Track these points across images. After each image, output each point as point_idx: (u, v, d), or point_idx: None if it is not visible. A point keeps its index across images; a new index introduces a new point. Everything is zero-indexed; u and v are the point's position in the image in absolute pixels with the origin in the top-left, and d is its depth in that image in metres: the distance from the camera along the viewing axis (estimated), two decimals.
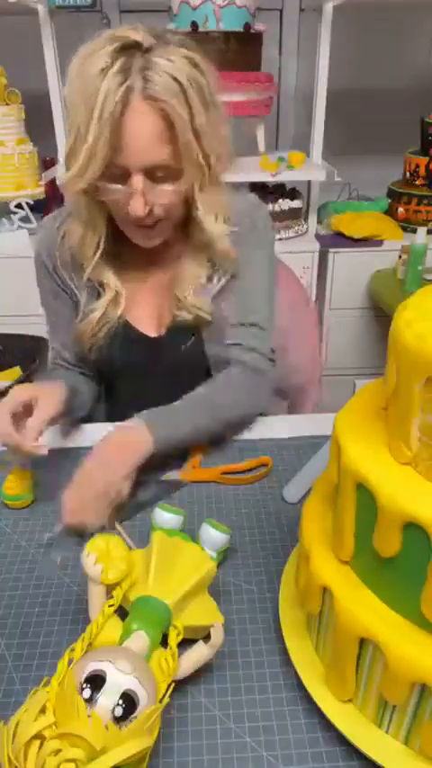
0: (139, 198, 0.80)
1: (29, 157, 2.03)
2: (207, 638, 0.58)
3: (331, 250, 2.12)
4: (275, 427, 1.01)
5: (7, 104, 1.98)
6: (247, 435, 0.98)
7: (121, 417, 0.92)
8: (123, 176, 0.79)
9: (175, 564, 0.64)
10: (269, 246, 1.01)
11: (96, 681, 0.49)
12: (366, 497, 0.48)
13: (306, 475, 0.87)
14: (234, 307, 0.98)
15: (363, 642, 0.51)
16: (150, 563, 0.63)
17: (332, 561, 0.55)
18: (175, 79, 0.75)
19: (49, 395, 0.86)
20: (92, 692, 0.48)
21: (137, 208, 0.80)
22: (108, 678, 0.49)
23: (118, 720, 0.47)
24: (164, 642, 0.59)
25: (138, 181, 0.79)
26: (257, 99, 1.92)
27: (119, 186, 0.80)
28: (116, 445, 0.83)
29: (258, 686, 0.60)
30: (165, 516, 0.74)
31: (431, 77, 2.51)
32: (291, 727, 0.56)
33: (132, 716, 0.48)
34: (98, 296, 0.96)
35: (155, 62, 0.74)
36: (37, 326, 1.87)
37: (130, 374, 1.02)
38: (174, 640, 0.58)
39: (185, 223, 0.91)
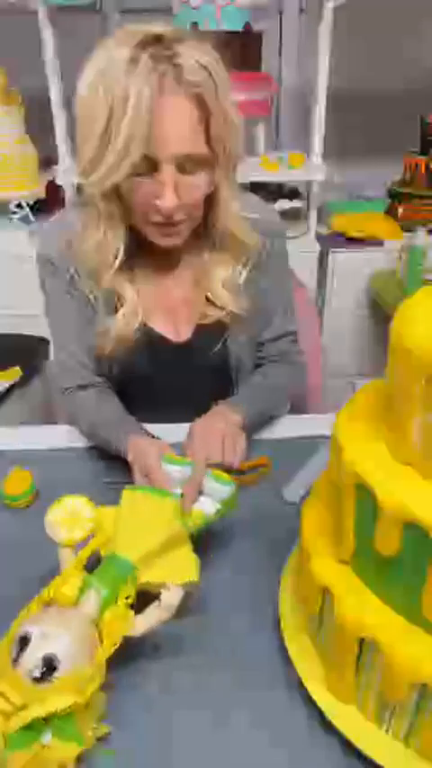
0: (170, 190, 0.78)
1: (29, 157, 2.03)
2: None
3: (331, 250, 2.12)
4: (275, 427, 1.01)
5: (7, 104, 1.97)
6: (247, 435, 0.98)
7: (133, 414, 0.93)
8: (152, 170, 0.78)
9: (144, 521, 0.63)
10: (286, 257, 1.05)
11: (23, 642, 0.52)
12: (366, 497, 0.48)
13: (306, 475, 0.87)
14: (269, 313, 1.03)
15: (363, 642, 0.51)
16: (153, 539, 0.63)
17: (332, 561, 0.55)
18: (204, 67, 0.75)
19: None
20: (17, 653, 0.52)
21: (167, 200, 0.79)
22: (32, 641, 0.52)
23: (38, 681, 0.51)
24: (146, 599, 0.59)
25: (169, 173, 0.78)
26: (257, 99, 1.91)
27: (148, 179, 0.79)
28: (221, 413, 0.87)
29: (258, 686, 0.60)
30: (168, 468, 0.73)
31: (431, 77, 2.50)
32: (291, 727, 0.56)
33: (53, 677, 0.51)
34: (114, 307, 0.93)
35: (181, 51, 0.74)
36: (37, 326, 1.87)
37: (152, 381, 1.00)
38: (122, 599, 0.58)
39: (200, 223, 0.91)
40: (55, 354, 1.02)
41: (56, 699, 0.50)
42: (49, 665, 0.51)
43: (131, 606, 0.59)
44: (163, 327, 0.98)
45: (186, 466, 0.74)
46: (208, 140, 0.79)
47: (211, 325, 0.97)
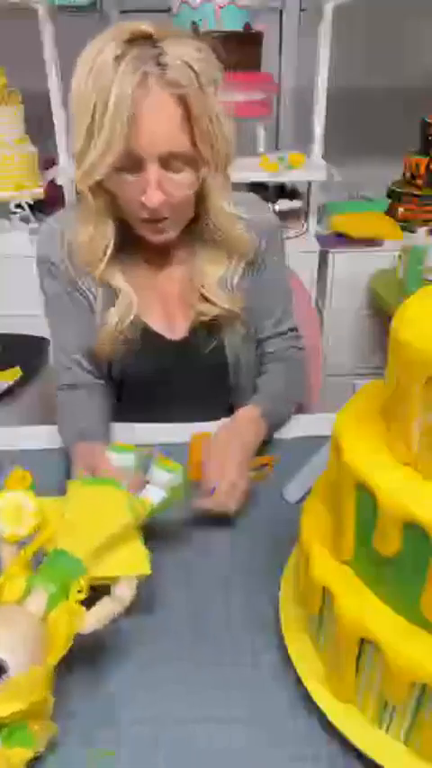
0: (154, 188, 0.79)
1: (29, 157, 2.03)
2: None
3: (331, 250, 2.12)
4: None
5: (7, 104, 1.97)
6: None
7: (135, 421, 0.93)
8: (137, 167, 0.79)
9: (91, 515, 0.61)
10: (283, 254, 1.04)
11: None
12: (366, 497, 0.48)
13: (306, 475, 0.87)
14: (267, 311, 1.03)
15: (363, 642, 0.51)
16: (100, 533, 0.60)
17: (332, 561, 0.55)
18: (190, 66, 0.76)
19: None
20: None
21: (152, 197, 0.80)
22: None
23: None
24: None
25: (153, 170, 0.79)
26: (257, 99, 1.91)
27: (134, 176, 0.80)
28: (248, 424, 0.88)
29: (258, 686, 0.60)
30: (113, 456, 0.72)
31: (431, 77, 2.50)
32: (291, 727, 0.56)
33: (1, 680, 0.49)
34: (112, 302, 0.94)
35: (168, 51, 0.75)
36: (37, 326, 1.87)
37: (150, 380, 1.00)
38: (73, 595, 0.56)
39: (193, 220, 0.91)
40: (53, 353, 1.02)
41: (2, 706, 0.48)
42: None
43: (83, 603, 0.57)
44: (159, 325, 0.99)
45: (130, 453, 0.72)
46: (193, 139, 0.80)
47: (207, 323, 0.98)
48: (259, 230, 0.97)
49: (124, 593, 0.57)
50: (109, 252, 0.89)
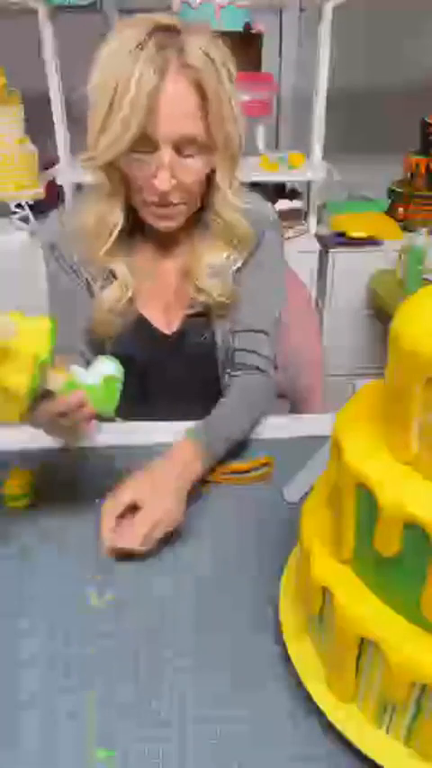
0: (165, 171, 0.81)
1: (29, 157, 2.03)
2: None
3: (331, 250, 2.12)
4: (275, 427, 1.00)
5: (7, 104, 1.97)
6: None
7: (130, 417, 0.92)
8: (150, 149, 0.80)
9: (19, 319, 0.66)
10: (280, 248, 1.04)
11: None
12: (366, 497, 0.48)
13: (306, 475, 0.87)
14: (247, 308, 1.00)
15: (363, 642, 0.51)
16: None
17: (332, 561, 0.55)
18: (208, 54, 0.79)
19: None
20: None
21: (163, 180, 0.81)
22: None
23: None
24: None
25: (167, 153, 0.80)
26: (257, 99, 1.92)
27: (147, 158, 0.81)
28: (171, 469, 0.79)
29: (258, 686, 0.60)
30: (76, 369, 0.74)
31: (431, 77, 2.50)
32: (291, 727, 0.56)
33: None
34: (108, 285, 0.95)
35: (188, 40, 0.78)
36: None
37: (144, 371, 1.01)
38: None
39: (197, 212, 0.93)
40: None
41: None
42: None
43: None
44: (155, 318, 1.00)
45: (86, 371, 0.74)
46: (207, 126, 0.82)
47: (198, 316, 0.99)
48: (260, 226, 0.98)
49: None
50: (115, 233, 0.90)
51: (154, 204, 0.86)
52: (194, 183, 0.86)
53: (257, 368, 1.00)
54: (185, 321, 1.00)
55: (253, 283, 1.00)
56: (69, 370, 0.73)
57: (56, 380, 0.71)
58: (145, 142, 0.79)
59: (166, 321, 1.01)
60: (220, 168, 0.87)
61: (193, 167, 0.84)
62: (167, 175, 0.81)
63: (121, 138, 0.78)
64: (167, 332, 1.00)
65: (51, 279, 0.99)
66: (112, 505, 0.74)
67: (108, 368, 0.75)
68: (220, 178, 0.88)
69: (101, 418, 0.75)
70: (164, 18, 0.79)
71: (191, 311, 0.99)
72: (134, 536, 0.72)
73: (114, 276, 0.95)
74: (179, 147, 0.81)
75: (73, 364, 0.74)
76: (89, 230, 0.91)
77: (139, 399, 0.99)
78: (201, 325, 1.00)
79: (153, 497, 0.74)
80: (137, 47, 0.75)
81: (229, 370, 1.03)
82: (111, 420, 0.75)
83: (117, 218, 0.89)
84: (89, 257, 0.94)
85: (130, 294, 0.95)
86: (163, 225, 0.90)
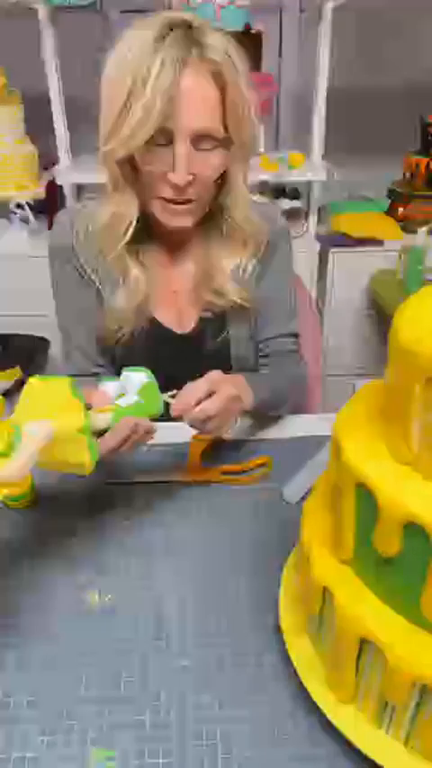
0: (182, 163, 0.81)
1: (29, 157, 2.03)
2: None
3: (331, 250, 2.12)
4: (275, 427, 1.01)
5: (7, 104, 1.97)
6: (247, 435, 0.98)
7: None
8: (167, 143, 0.80)
9: (43, 402, 0.65)
10: (291, 254, 1.07)
11: None
12: (366, 497, 0.48)
13: (306, 475, 0.87)
14: (275, 313, 1.05)
15: (363, 642, 0.51)
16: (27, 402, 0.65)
17: (332, 561, 0.55)
18: (227, 51, 0.80)
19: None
20: None
21: (180, 173, 0.81)
22: None
23: None
24: None
25: (184, 146, 0.80)
26: (257, 99, 1.91)
27: (164, 151, 0.81)
28: (234, 380, 0.85)
29: (258, 686, 0.60)
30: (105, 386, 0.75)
31: (431, 77, 2.50)
32: (291, 727, 0.56)
33: None
34: (120, 287, 0.95)
35: (206, 35, 0.79)
36: (37, 326, 1.88)
37: (156, 374, 1.01)
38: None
39: (208, 213, 0.93)
40: (62, 343, 1.04)
41: None
42: None
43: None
44: (166, 319, 1.00)
45: (117, 381, 0.75)
46: (225, 121, 0.82)
47: (213, 318, 0.99)
48: (271, 226, 0.99)
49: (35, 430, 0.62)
50: (131, 229, 0.89)
51: (168, 200, 0.86)
52: (210, 178, 0.86)
53: (292, 354, 1.08)
54: (200, 323, 1.00)
55: (278, 290, 1.04)
56: (101, 389, 0.74)
57: (103, 419, 0.72)
58: (162, 136, 0.79)
59: (178, 323, 1.00)
60: (234, 166, 0.88)
61: (210, 162, 0.84)
62: (184, 168, 0.81)
63: (143, 127, 0.77)
64: (180, 332, 1.00)
65: (59, 282, 0.99)
66: (191, 390, 0.77)
67: (138, 379, 0.75)
68: (233, 176, 0.89)
69: (155, 419, 0.77)
70: (181, 14, 0.80)
71: (206, 314, 0.99)
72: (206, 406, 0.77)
73: (124, 280, 0.94)
74: (196, 141, 0.81)
75: (97, 384, 0.75)
76: (103, 227, 0.90)
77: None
78: (215, 328, 1.00)
79: (227, 385, 0.80)
80: (157, 39, 0.76)
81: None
82: (162, 417, 0.77)
83: (132, 211, 0.88)
84: (102, 257, 0.93)
85: (141, 297, 0.94)
86: (175, 222, 0.89)
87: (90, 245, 0.93)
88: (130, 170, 0.85)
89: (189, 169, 0.82)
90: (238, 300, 0.96)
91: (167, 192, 0.85)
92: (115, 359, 1.00)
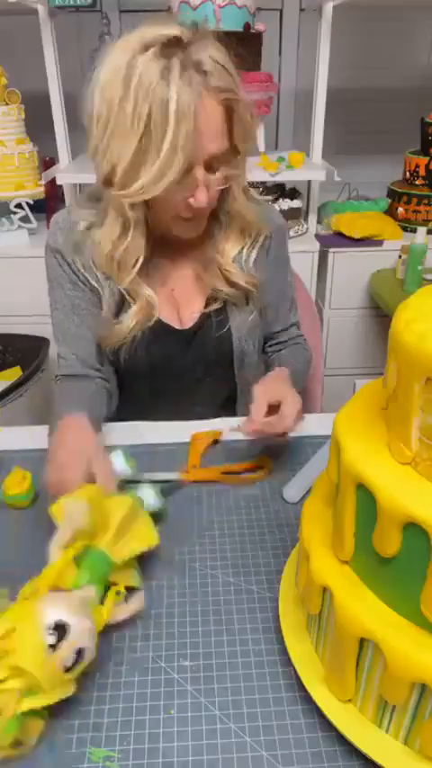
0: (203, 189, 0.82)
1: (29, 157, 2.03)
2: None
3: (331, 250, 2.12)
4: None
5: (7, 104, 1.97)
6: (246, 435, 0.98)
7: (137, 416, 0.92)
8: (185, 173, 0.80)
9: (131, 530, 0.67)
10: (287, 244, 1.10)
11: (61, 630, 0.54)
12: (366, 497, 0.48)
13: (306, 475, 0.87)
14: (279, 305, 1.09)
15: (363, 642, 0.51)
16: (113, 522, 0.65)
17: (332, 561, 0.55)
18: (224, 67, 0.78)
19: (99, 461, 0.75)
20: (56, 641, 0.53)
21: (201, 198, 0.83)
22: (70, 633, 0.54)
23: (67, 670, 0.54)
24: None
25: (201, 173, 0.81)
26: (257, 99, 1.91)
27: (181, 180, 0.80)
28: (284, 376, 0.94)
29: (258, 686, 0.60)
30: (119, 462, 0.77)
31: (431, 77, 2.50)
32: (291, 727, 0.56)
33: (76, 667, 0.55)
34: (124, 302, 0.94)
35: (202, 55, 0.76)
36: (37, 326, 1.88)
37: (157, 368, 1.01)
38: (112, 600, 0.62)
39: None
40: (54, 340, 1.03)
41: (63, 689, 0.55)
42: (78, 658, 0.54)
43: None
44: (168, 316, 1.00)
45: (131, 470, 0.78)
46: (231, 138, 0.83)
47: (215, 313, 1.00)
48: (269, 220, 1.01)
49: (139, 605, 0.65)
50: (139, 264, 0.90)
51: (185, 219, 0.88)
52: (221, 188, 0.87)
53: (302, 340, 1.14)
54: (201, 318, 1.01)
55: (282, 283, 1.07)
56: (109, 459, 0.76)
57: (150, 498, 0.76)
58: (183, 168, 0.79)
59: (179, 318, 1.01)
60: (241, 170, 0.90)
61: (221, 178, 0.85)
62: (205, 194, 0.83)
63: (171, 167, 0.76)
64: (183, 328, 1.00)
65: (54, 283, 0.98)
66: (256, 411, 0.83)
67: (152, 498, 0.77)
68: (240, 180, 0.91)
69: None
70: (167, 30, 0.76)
71: (208, 310, 1.00)
72: (286, 420, 0.83)
73: (133, 298, 0.94)
74: (209, 164, 0.82)
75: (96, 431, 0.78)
76: (109, 259, 0.89)
77: (149, 400, 0.99)
78: (217, 322, 1.01)
79: (288, 392, 0.86)
80: (161, 75, 0.73)
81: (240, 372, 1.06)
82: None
83: (141, 251, 0.89)
84: (105, 279, 0.94)
85: (156, 316, 0.95)
86: (191, 233, 0.92)
87: (96, 261, 0.93)
88: (143, 205, 0.84)
89: (208, 190, 0.83)
90: (243, 284, 0.97)
91: (186, 213, 0.86)
92: (118, 357, 0.99)
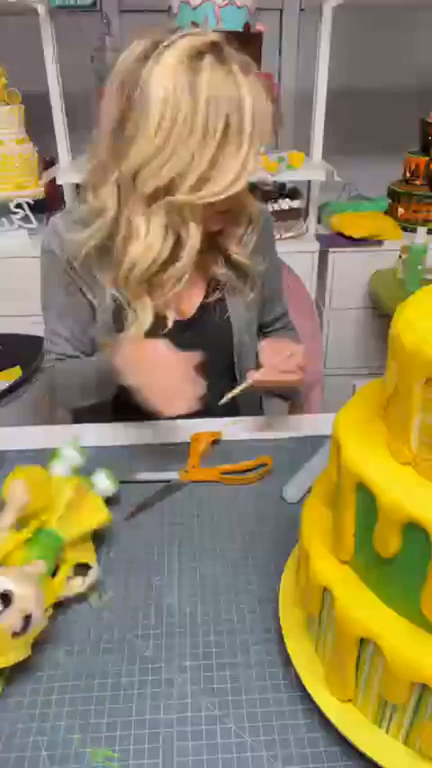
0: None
1: (29, 157, 2.03)
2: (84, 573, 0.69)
3: (331, 250, 2.12)
4: (275, 427, 1.01)
5: (7, 104, 1.97)
6: (247, 435, 0.98)
7: (134, 412, 0.92)
8: None
9: (80, 508, 0.71)
10: (272, 229, 1.13)
11: (5, 599, 0.58)
12: (366, 497, 0.48)
13: (306, 475, 0.87)
14: (273, 295, 1.13)
15: (363, 642, 0.51)
16: (61, 502, 0.70)
17: (332, 561, 0.55)
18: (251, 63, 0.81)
19: None
20: (3, 607, 0.57)
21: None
22: (14, 601, 0.58)
23: (17, 635, 0.58)
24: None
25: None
26: None
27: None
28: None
29: (258, 686, 0.60)
30: (71, 453, 0.80)
31: (431, 77, 2.50)
32: (291, 727, 0.56)
33: (26, 633, 0.58)
34: (121, 310, 0.95)
35: (240, 56, 0.80)
36: (37, 326, 1.87)
37: None
38: (65, 574, 0.67)
39: None
40: (46, 334, 1.04)
41: (17, 653, 0.59)
42: (26, 623, 0.58)
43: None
44: (170, 311, 1.00)
45: (83, 457, 0.80)
46: None
47: (214, 303, 1.02)
48: (260, 207, 1.04)
49: (92, 579, 0.69)
50: (181, 284, 0.91)
51: (220, 213, 0.89)
52: None
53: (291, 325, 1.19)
54: (201, 308, 1.02)
55: (274, 270, 1.11)
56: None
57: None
58: None
59: (179, 310, 1.01)
60: None
61: None
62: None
63: (250, 161, 0.80)
64: (182, 319, 1.01)
65: (51, 284, 0.99)
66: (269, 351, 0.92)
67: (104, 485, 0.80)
68: None
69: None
70: (205, 37, 0.78)
71: (209, 300, 1.02)
72: (296, 358, 0.92)
73: (138, 311, 0.93)
74: None
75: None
76: (142, 267, 0.88)
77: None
78: (216, 311, 1.03)
79: (291, 344, 0.95)
80: (228, 78, 0.76)
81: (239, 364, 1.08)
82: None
83: (188, 269, 0.89)
84: (96, 280, 0.94)
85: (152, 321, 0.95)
86: (219, 226, 0.94)
87: (92, 266, 0.93)
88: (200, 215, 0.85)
89: None
90: (248, 264, 0.99)
91: (218, 225, 0.91)
92: None
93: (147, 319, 0.93)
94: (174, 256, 0.88)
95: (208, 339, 1.01)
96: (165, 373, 0.83)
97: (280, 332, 1.16)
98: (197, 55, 0.76)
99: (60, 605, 0.68)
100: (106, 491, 0.80)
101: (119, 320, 0.96)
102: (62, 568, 0.68)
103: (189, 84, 0.75)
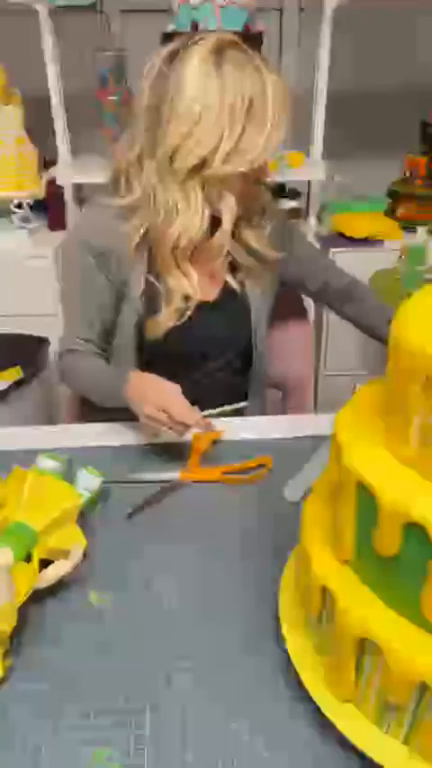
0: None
1: (29, 157, 2.03)
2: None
3: (331, 250, 2.12)
4: (275, 427, 1.01)
5: (7, 104, 1.97)
6: (247, 435, 0.98)
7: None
8: None
9: (45, 496, 0.73)
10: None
11: None
12: (366, 497, 0.48)
13: (306, 475, 0.87)
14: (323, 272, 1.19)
15: (363, 642, 0.51)
16: (23, 495, 0.73)
17: (332, 561, 0.55)
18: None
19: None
20: None
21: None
22: None
23: None
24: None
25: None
26: None
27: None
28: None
29: (258, 686, 0.60)
30: (48, 463, 0.81)
31: (431, 77, 2.50)
32: (291, 727, 0.56)
33: None
34: (152, 298, 0.99)
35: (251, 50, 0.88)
36: (37, 326, 1.87)
37: (174, 341, 1.03)
38: (36, 557, 0.68)
39: None
40: (64, 326, 1.05)
41: None
42: None
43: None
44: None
45: (59, 462, 0.81)
46: None
47: (234, 289, 1.06)
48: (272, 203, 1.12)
49: (75, 557, 0.70)
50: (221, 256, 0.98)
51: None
52: None
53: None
54: (222, 291, 1.05)
55: (310, 251, 1.19)
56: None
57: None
58: None
59: (202, 292, 1.03)
60: None
61: None
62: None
63: (278, 131, 0.91)
64: (205, 300, 1.03)
65: (78, 273, 1.00)
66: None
67: (93, 482, 0.82)
68: None
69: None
70: (224, 36, 0.87)
71: (229, 286, 1.05)
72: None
73: (167, 291, 0.98)
74: None
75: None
76: (185, 242, 0.93)
77: (169, 376, 1.00)
78: (237, 295, 1.06)
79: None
80: (252, 67, 0.85)
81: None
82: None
83: (206, 226, 0.93)
84: (133, 267, 0.97)
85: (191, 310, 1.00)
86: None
87: (129, 253, 0.96)
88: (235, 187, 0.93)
89: None
90: (257, 246, 1.03)
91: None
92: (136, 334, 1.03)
93: (178, 300, 0.98)
94: (213, 230, 0.95)
95: (230, 321, 1.07)
96: (165, 400, 0.86)
97: (366, 302, 1.25)
98: (222, 48, 0.85)
99: (59, 604, 0.68)
100: (90, 486, 0.81)
101: (148, 308, 0.99)
102: (34, 554, 0.69)
103: (216, 69, 0.84)
